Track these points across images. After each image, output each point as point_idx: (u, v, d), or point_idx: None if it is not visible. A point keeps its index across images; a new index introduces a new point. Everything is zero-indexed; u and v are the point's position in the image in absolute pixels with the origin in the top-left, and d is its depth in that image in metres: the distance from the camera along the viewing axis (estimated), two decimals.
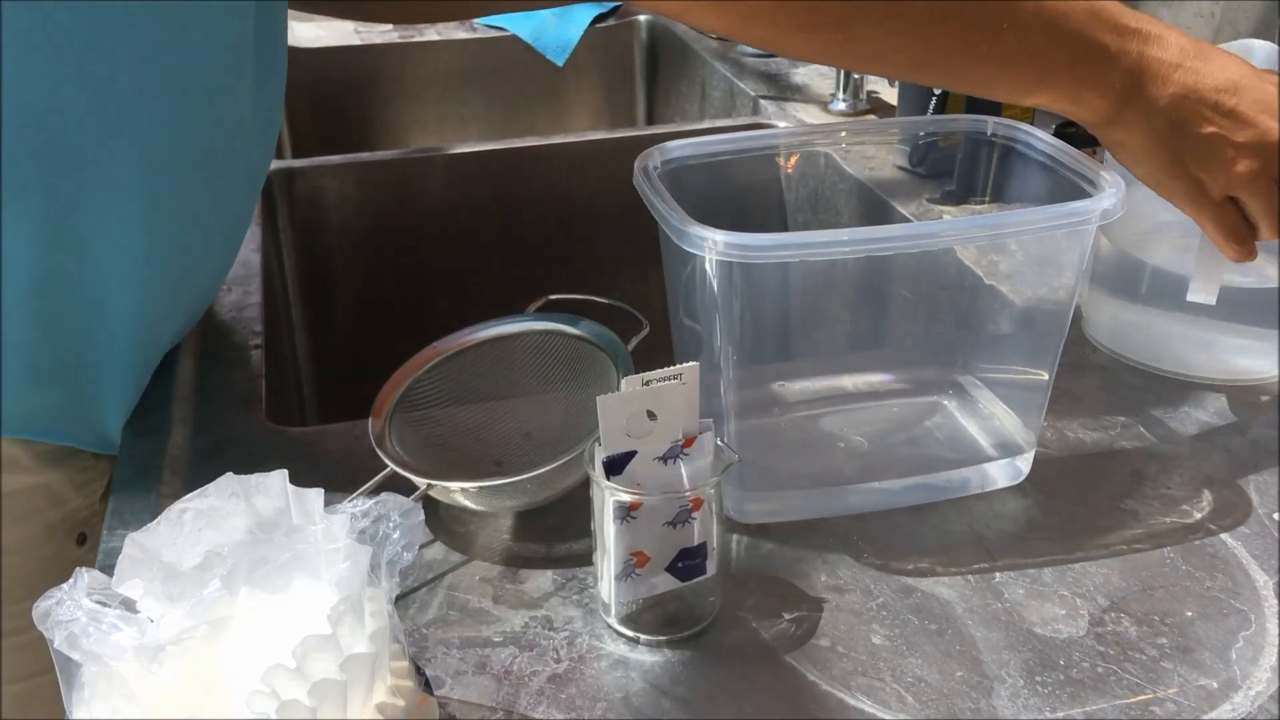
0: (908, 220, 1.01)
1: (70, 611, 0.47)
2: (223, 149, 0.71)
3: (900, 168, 1.08)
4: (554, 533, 0.68)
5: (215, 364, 0.85)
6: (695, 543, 0.59)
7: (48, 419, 0.72)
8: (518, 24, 1.65)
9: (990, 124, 0.74)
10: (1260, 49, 0.81)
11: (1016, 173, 0.73)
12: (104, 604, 0.48)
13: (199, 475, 0.70)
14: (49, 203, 0.64)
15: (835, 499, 0.70)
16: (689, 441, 0.59)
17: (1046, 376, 0.71)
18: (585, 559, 0.65)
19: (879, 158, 1.09)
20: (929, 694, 0.57)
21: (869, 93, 1.35)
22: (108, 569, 0.49)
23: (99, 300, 0.69)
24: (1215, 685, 0.57)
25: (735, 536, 0.68)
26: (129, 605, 0.48)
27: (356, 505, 0.51)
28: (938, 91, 1.07)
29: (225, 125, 0.71)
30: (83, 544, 0.77)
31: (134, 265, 0.69)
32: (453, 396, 0.74)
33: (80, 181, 0.65)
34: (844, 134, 0.74)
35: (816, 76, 1.44)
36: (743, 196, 0.74)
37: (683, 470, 0.59)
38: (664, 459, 0.59)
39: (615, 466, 0.58)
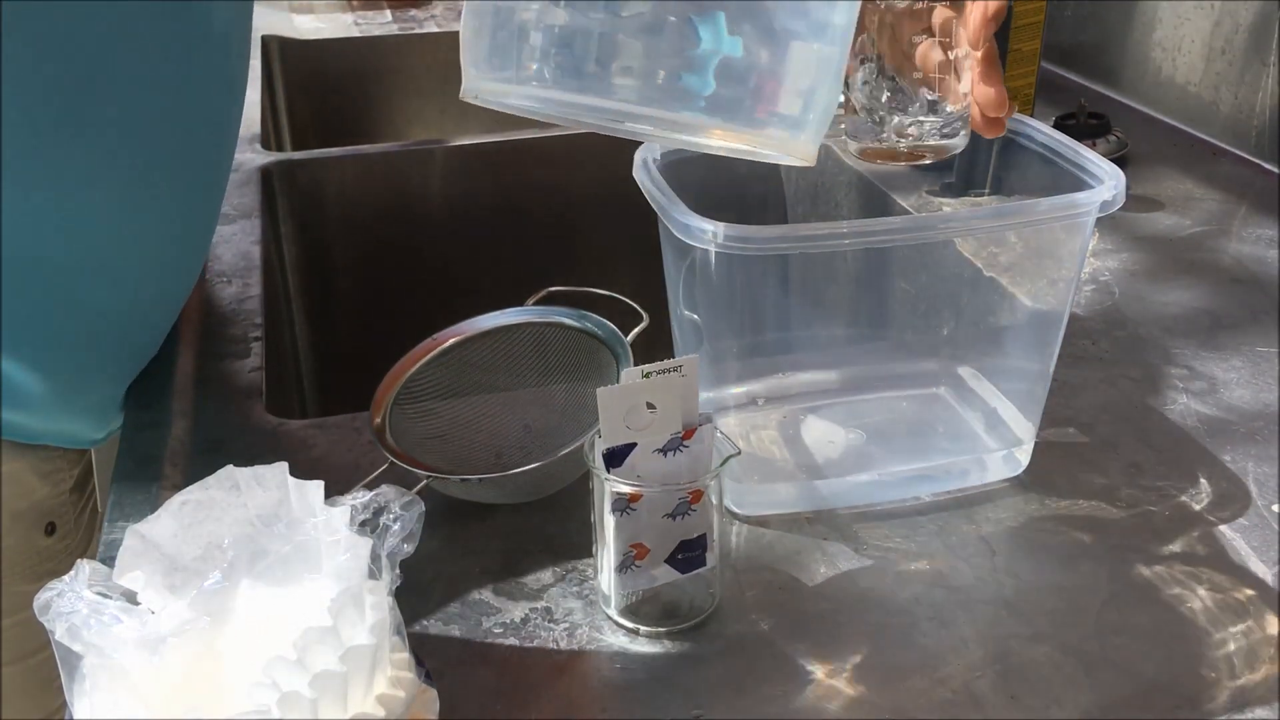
0: (907, 212, 1.00)
1: (71, 603, 0.47)
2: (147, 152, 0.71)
3: None
4: (554, 525, 0.68)
5: (215, 356, 0.85)
6: (695, 535, 0.60)
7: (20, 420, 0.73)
8: None
9: None
10: None
11: (1016, 165, 0.73)
12: (105, 596, 0.48)
13: (199, 467, 0.70)
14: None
15: (835, 491, 0.70)
16: (689, 434, 0.59)
17: (1046, 368, 0.71)
18: (585, 551, 0.66)
19: None
20: (929, 685, 0.57)
21: None
22: (109, 561, 0.49)
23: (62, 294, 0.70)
24: (1214, 676, 0.58)
25: (735, 528, 0.68)
26: (130, 597, 0.48)
27: (357, 497, 0.51)
28: None
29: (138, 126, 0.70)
30: (52, 534, 0.77)
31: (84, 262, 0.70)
32: (452, 389, 0.74)
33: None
34: (844, 125, 0.74)
35: None
36: (742, 188, 0.74)
37: (682, 462, 0.59)
38: (664, 451, 0.59)
39: (615, 459, 0.58)
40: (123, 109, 0.68)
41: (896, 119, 0.68)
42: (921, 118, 0.67)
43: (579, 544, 0.66)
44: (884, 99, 0.68)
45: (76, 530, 0.79)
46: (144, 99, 0.69)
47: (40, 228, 0.67)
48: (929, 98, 0.67)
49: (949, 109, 0.67)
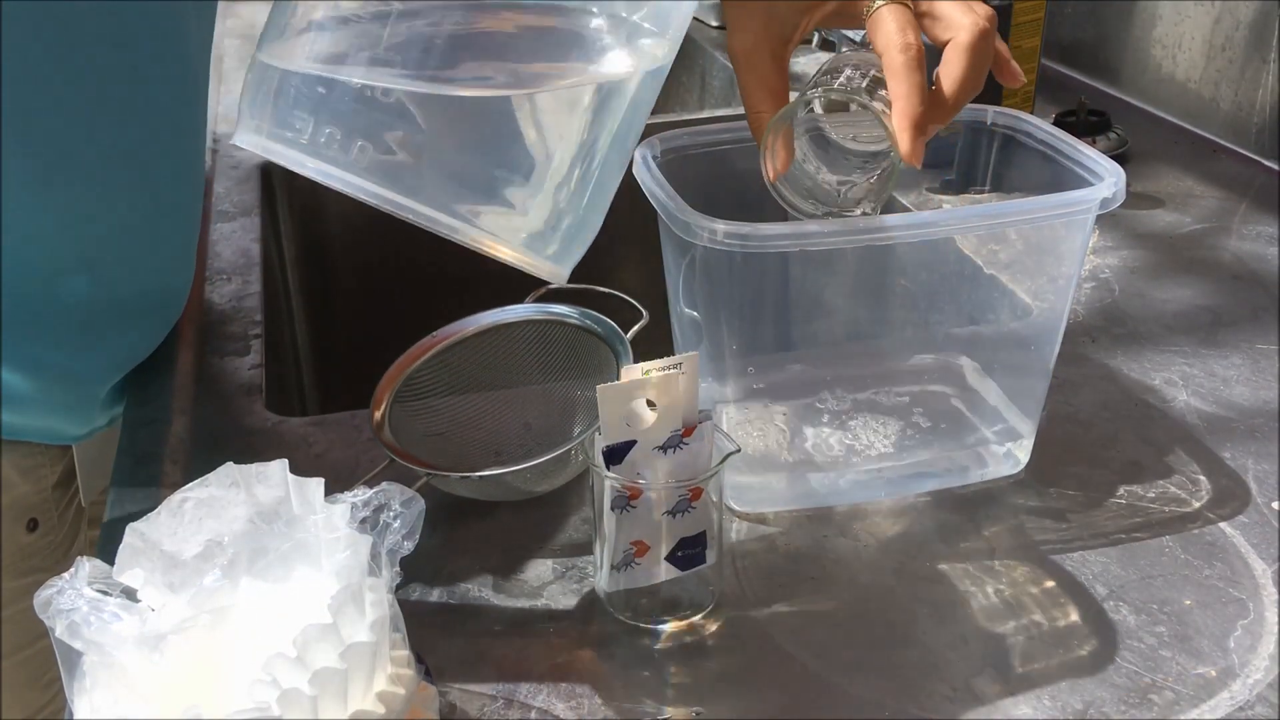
0: (907, 210, 1.00)
1: (71, 600, 0.47)
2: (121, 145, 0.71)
3: None
4: (554, 522, 0.68)
5: (215, 354, 0.85)
6: (695, 532, 0.60)
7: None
8: None
9: (990, 113, 0.74)
10: None
11: (1016, 162, 0.73)
12: (105, 593, 0.48)
13: (199, 465, 0.70)
14: None
15: (834, 488, 0.70)
16: (689, 431, 0.59)
17: (1046, 365, 0.71)
18: (585, 548, 0.66)
19: None
20: (929, 682, 0.57)
21: None
22: (108, 558, 0.49)
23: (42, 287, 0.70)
24: (1214, 673, 0.58)
25: (735, 525, 0.68)
26: (130, 595, 0.48)
27: (357, 495, 0.51)
28: None
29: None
30: (34, 530, 0.77)
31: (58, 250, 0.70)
32: (452, 386, 0.74)
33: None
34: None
35: (816, 66, 1.43)
36: (742, 185, 0.74)
37: (682, 460, 0.59)
38: (664, 449, 0.59)
39: (615, 456, 0.58)
40: (82, 103, 0.68)
41: (825, 176, 0.67)
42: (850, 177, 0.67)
43: (579, 541, 0.66)
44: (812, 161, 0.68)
45: (60, 527, 0.79)
46: (103, 93, 0.69)
47: (13, 222, 0.67)
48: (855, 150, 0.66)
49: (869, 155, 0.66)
